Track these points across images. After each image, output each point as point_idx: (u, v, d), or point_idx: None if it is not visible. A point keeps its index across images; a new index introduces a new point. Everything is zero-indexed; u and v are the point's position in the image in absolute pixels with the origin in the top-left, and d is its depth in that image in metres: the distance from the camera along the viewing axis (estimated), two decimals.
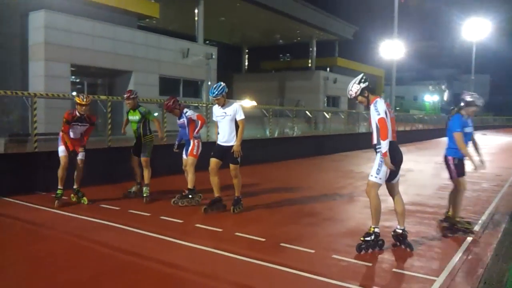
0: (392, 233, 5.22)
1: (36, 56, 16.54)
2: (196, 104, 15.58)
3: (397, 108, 45.04)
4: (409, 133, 26.65)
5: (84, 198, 7.19)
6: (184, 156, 7.48)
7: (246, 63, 45.22)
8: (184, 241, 5.24)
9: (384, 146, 4.78)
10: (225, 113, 6.58)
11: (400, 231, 5.13)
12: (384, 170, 4.93)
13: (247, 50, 44.78)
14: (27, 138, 12.43)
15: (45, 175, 7.97)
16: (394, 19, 31.27)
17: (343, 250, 4.99)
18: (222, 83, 6.63)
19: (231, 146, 6.53)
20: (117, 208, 6.95)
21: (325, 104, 38.51)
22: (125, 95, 7.61)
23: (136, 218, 6.36)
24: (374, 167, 4.99)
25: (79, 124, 7.06)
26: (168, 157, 8.15)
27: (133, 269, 4.38)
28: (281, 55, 51.26)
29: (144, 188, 7.55)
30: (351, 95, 5.18)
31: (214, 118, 6.83)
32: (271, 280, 4.20)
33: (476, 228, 6.10)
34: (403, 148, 5.03)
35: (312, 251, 4.97)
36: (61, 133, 7.01)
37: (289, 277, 4.25)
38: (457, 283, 4.15)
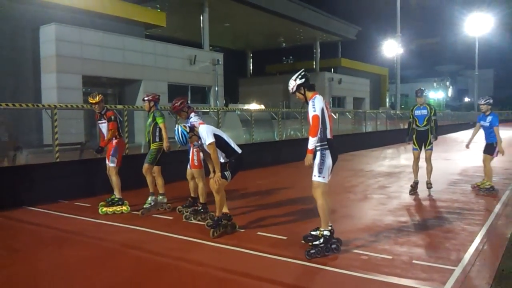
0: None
1: (48, 68, 16.93)
2: (207, 110, 15.82)
3: (402, 106, 45.05)
4: None
5: (108, 209, 7.05)
6: (188, 166, 6.81)
7: (251, 67, 45.54)
8: (242, 248, 5.44)
9: (312, 143, 4.75)
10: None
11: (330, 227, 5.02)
12: (327, 167, 4.83)
13: (251, 55, 45.11)
14: (42, 150, 12.76)
15: (67, 183, 8.26)
16: (397, 17, 31.47)
17: (362, 245, 5.19)
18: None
19: None
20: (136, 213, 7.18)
21: (331, 105, 38.68)
22: (145, 98, 7.47)
23: (190, 226, 6.59)
24: (316, 167, 4.86)
25: (99, 122, 7.38)
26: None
27: (174, 271, 4.63)
28: (284, 58, 51.60)
29: (149, 198, 7.12)
30: (291, 89, 5.01)
31: None
32: (297, 275, 4.45)
33: (490, 219, 6.32)
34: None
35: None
36: None
37: (313, 271, 4.49)
38: (476, 272, 4.36)
